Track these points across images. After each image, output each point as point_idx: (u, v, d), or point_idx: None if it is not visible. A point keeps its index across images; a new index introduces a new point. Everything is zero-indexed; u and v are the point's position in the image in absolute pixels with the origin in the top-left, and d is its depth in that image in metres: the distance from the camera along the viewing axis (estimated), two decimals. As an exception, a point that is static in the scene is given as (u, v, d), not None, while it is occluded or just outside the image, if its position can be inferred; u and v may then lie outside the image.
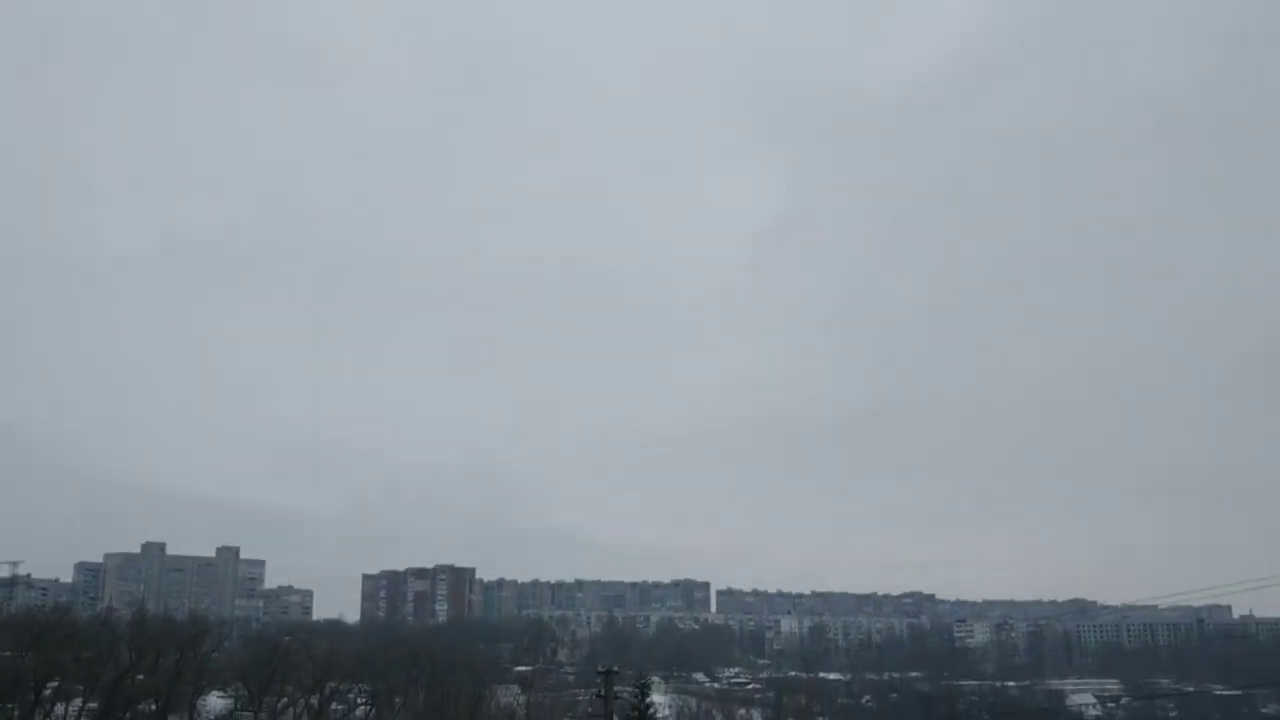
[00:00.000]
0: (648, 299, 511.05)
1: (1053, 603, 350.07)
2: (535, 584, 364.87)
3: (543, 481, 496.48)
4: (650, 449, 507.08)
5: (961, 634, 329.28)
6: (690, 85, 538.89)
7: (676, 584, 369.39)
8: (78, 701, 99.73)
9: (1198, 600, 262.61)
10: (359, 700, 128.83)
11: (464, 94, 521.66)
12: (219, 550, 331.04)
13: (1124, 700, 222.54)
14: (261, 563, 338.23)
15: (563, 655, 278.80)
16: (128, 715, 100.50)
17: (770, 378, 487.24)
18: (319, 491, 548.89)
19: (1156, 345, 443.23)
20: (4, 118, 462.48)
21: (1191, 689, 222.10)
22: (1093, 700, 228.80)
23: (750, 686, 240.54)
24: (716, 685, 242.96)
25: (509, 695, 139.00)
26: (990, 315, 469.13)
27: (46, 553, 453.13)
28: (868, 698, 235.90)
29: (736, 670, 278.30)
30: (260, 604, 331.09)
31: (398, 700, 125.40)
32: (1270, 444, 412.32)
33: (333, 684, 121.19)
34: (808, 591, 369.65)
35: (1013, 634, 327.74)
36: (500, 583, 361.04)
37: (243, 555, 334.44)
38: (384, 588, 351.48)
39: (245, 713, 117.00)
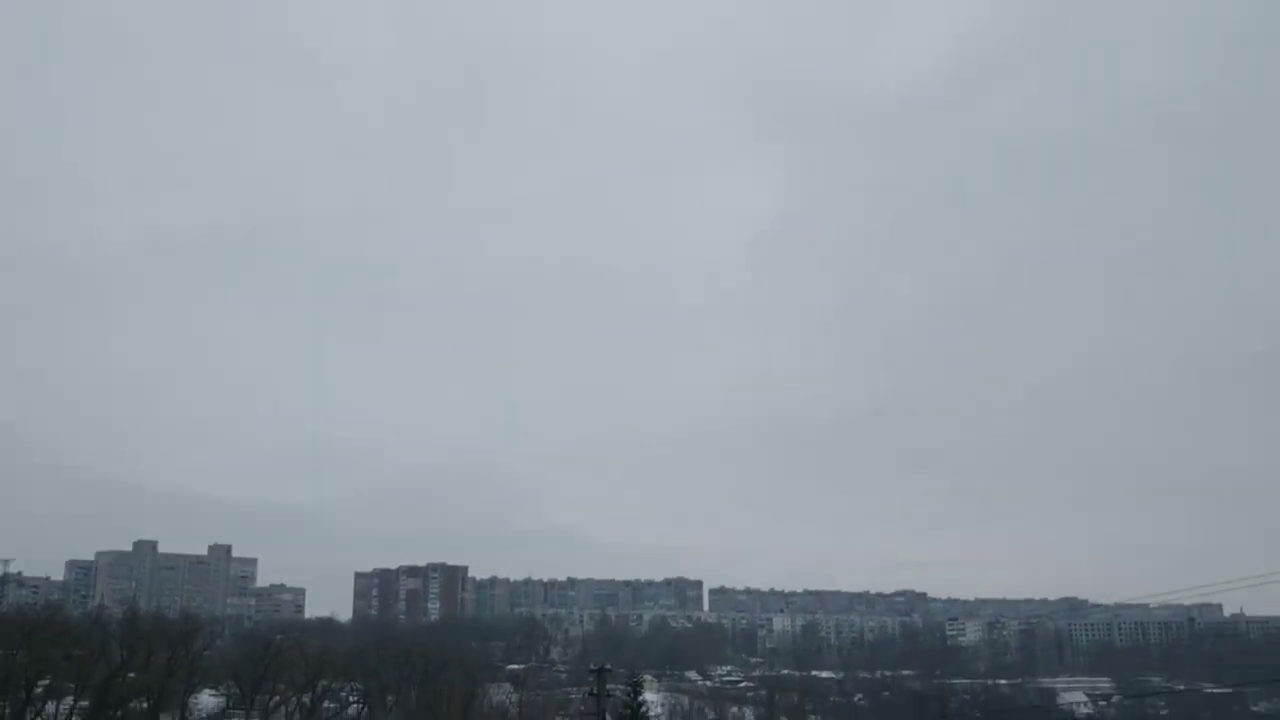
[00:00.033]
0: (647, 298, 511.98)
1: (1044, 601, 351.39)
2: (528, 582, 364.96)
3: (537, 480, 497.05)
4: (646, 448, 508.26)
5: (953, 632, 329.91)
6: (690, 85, 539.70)
7: (669, 582, 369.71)
8: (69, 700, 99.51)
9: (1189, 599, 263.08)
10: (351, 699, 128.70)
11: (464, 94, 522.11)
12: (211, 548, 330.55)
13: (1115, 698, 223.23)
14: (254, 561, 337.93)
15: (555, 653, 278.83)
16: (119, 713, 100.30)
17: (768, 378, 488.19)
18: (312, 490, 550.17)
19: (1156, 345, 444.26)
20: (3, 116, 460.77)
21: (1182, 687, 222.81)
22: (1084, 698, 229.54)
23: (743, 685, 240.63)
24: (709, 683, 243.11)
25: (501, 693, 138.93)
26: (989, 315, 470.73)
27: (37, 550, 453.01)
28: (860, 696, 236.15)
29: (729, 668, 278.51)
30: (252, 602, 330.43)
31: (390, 699, 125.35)
32: (1263, 444, 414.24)
33: (325, 682, 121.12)
34: (800, 590, 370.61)
35: (1004, 632, 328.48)
36: (493, 581, 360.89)
37: (235, 553, 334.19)
38: (376, 586, 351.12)
39: (237, 711, 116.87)
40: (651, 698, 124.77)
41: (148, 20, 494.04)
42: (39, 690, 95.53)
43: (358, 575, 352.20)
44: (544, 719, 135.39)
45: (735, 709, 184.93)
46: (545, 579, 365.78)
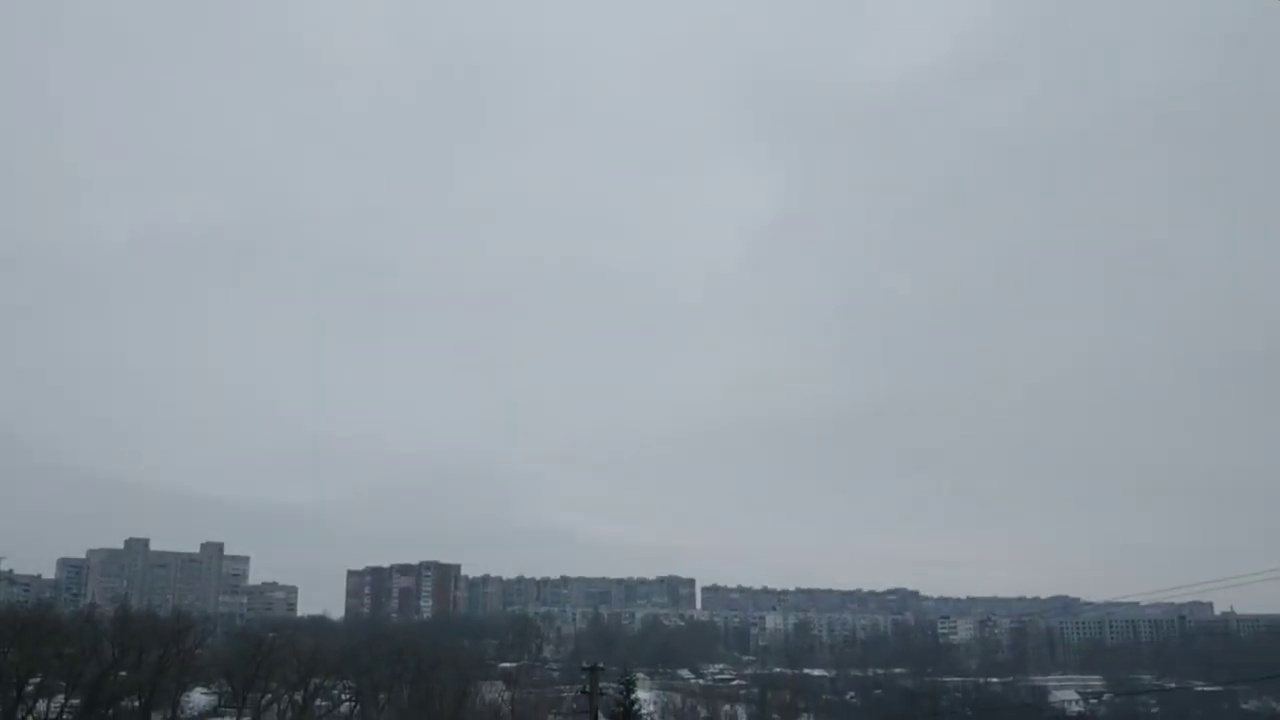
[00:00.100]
0: (645, 298, 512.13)
1: (1036, 599, 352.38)
2: (521, 580, 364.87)
3: (531, 479, 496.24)
4: (639, 448, 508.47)
5: (945, 630, 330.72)
6: (689, 85, 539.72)
7: (662, 580, 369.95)
8: (60, 698, 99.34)
9: (1180, 597, 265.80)
10: (343, 697, 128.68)
11: (464, 94, 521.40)
12: (203, 546, 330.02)
13: (1106, 697, 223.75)
14: (246, 559, 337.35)
15: (548, 652, 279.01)
16: (111, 712, 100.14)
17: (764, 377, 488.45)
18: (305, 488, 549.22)
19: (1156, 345, 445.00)
20: (3, 116, 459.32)
21: (1173, 685, 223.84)
22: (1075, 697, 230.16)
23: (735, 683, 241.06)
24: (701, 681, 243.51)
25: (494, 691, 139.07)
26: (988, 315, 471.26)
27: (28, 548, 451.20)
28: (852, 694, 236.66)
29: (721, 666, 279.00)
30: (244, 600, 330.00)
31: (382, 697, 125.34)
32: (1257, 443, 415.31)
33: (317, 680, 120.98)
34: (793, 588, 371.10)
35: (996, 630, 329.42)
36: (485, 579, 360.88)
37: (227, 551, 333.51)
38: (369, 584, 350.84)
39: (229, 709, 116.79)
40: (644, 696, 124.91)
41: (148, 20, 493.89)
42: (30, 688, 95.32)
43: (350, 573, 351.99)
44: (536, 717, 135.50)
45: (728, 707, 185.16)
46: (538, 577, 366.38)
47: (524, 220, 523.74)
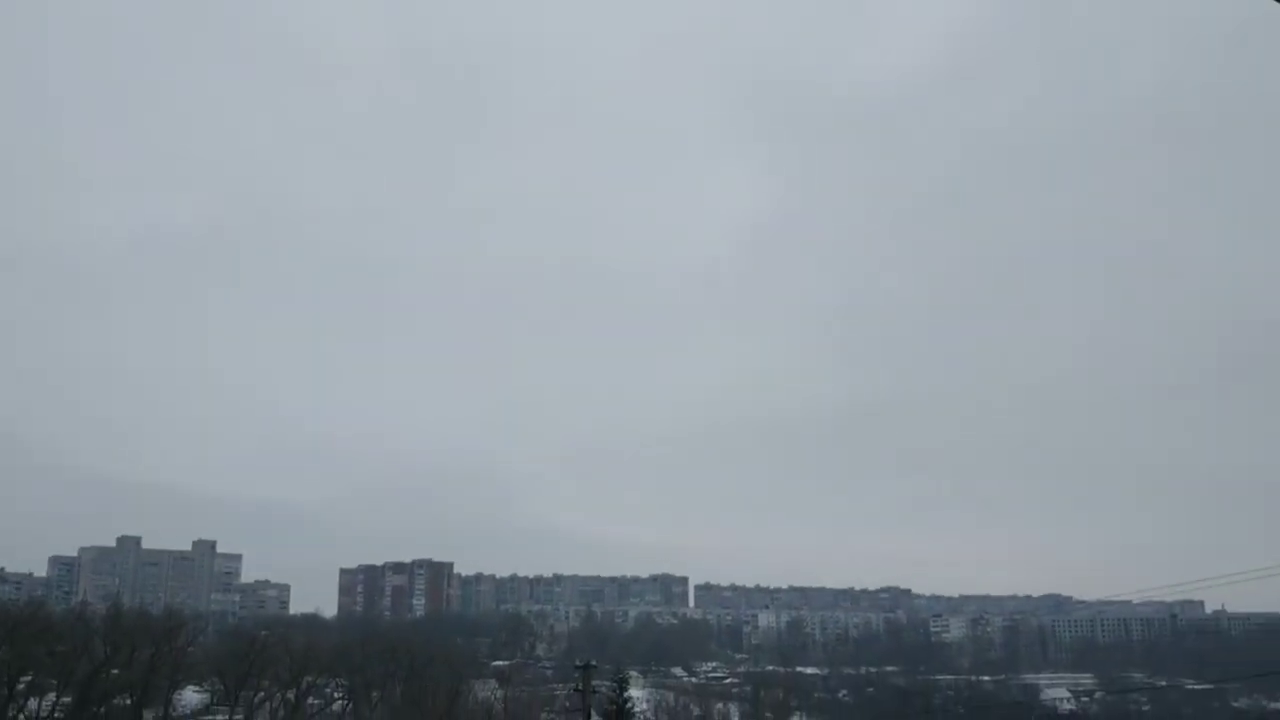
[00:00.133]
0: (643, 297, 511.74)
1: (1028, 598, 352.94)
2: (513, 579, 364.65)
3: (524, 478, 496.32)
4: (634, 447, 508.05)
5: (937, 629, 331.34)
6: (689, 85, 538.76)
7: (655, 579, 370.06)
8: (51, 696, 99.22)
9: (1171, 596, 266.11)
10: (336, 695, 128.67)
11: (462, 94, 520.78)
12: (195, 544, 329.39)
13: (1098, 695, 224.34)
14: (238, 557, 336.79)
15: (541, 650, 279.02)
16: (102, 710, 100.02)
17: (758, 377, 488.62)
18: (298, 486, 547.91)
19: (1155, 345, 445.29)
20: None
21: (1164, 683, 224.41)
22: (1067, 695, 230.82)
23: (728, 681, 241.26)
24: (694, 680, 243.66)
25: (486, 690, 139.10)
26: (986, 314, 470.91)
27: (19, 546, 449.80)
28: (844, 692, 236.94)
29: (714, 665, 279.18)
30: (237, 598, 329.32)
31: (375, 694, 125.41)
32: (1244, 442, 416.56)
33: (309, 678, 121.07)
34: (785, 586, 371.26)
35: (988, 629, 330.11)
36: (478, 577, 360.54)
37: (219, 549, 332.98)
38: (361, 582, 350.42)
39: (221, 707, 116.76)
40: (637, 694, 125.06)
41: (148, 20, 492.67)
42: (21, 686, 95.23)
43: (343, 571, 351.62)
44: (529, 715, 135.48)
45: (720, 705, 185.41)
46: (531, 575, 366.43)
47: (523, 220, 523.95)
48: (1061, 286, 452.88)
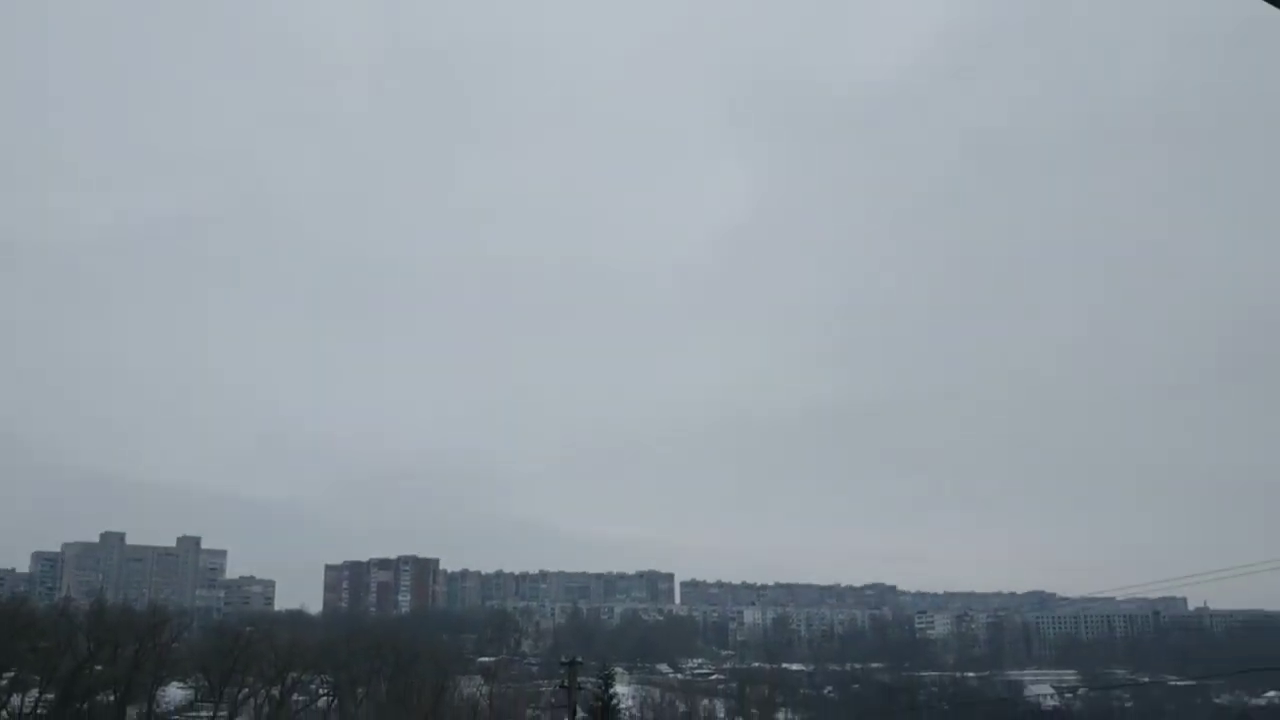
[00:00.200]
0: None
1: (1012, 595, 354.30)
2: (499, 575, 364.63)
3: (512, 475, 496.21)
4: (621, 445, 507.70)
5: (922, 625, 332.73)
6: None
7: (641, 575, 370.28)
8: (34, 692, 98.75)
9: (1154, 593, 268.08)
10: (321, 691, 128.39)
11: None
12: (179, 540, 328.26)
13: (1081, 691, 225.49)
14: (223, 553, 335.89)
15: (526, 646, 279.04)
16: (86, 706, 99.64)
17: (747, 377, 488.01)
18: (282, 482, 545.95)
19: (1153, 344, 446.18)
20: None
21: (1147, 680, 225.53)
22: (1050, 691, 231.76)
23: (713, 677, 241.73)
24: (680, 676, 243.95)
25: (472, 686, 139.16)
26: (981, 312, 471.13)
27: (2, 542, 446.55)
28: (830, 688, 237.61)
29: (700, 661, 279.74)
30: (221, 594, 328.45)
31: (360, 691, 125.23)
32: (1229, 441, 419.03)
33: (294, 675, 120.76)
34: (771, 583, 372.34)
35: (973, 625, 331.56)
36: (464, 573, 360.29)
37: (204, 545, 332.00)
38: (347, 578, 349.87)
39: (206, 703, 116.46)
40: (622, 690, 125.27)
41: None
42: (4, 683, 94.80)
43: (328, 568, 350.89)
44: (515, 711, 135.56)
45: (706, 701, 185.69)
46: (517, 572, 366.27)
47: (523, 219, 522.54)
48: (1059, 286, 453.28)
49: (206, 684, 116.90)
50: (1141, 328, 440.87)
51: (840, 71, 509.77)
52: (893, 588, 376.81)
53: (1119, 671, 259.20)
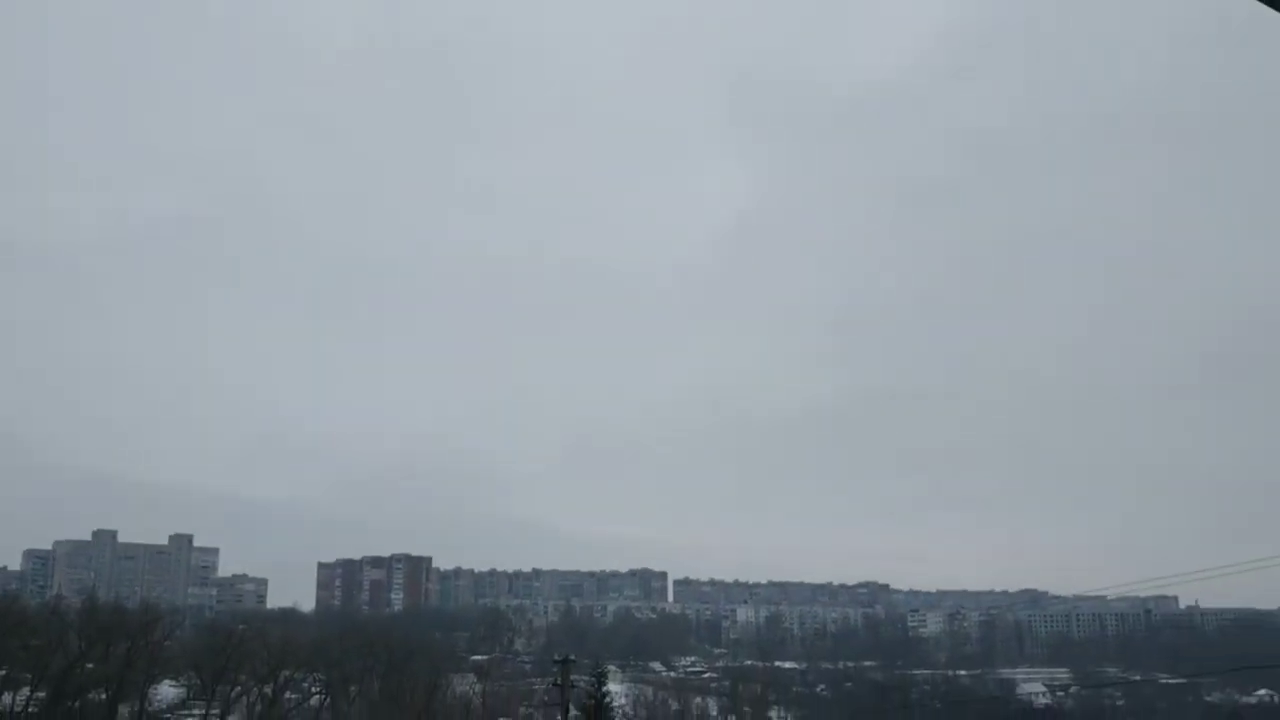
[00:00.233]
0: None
1: (1004, 593, 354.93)
2: (492, 573, 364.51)
3: (505, 473, 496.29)
4: (615, 443, 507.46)
5: (915, 624, 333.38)
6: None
7: (634, 573, 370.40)
8: (26, 690, 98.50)
9: (1145, 591, 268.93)
10: (313, 689, 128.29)
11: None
12: (172, 538, 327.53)
13: (1073, 689, 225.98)
14: (215, 551, 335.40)
15: (519, 644, 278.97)
16: (77, 704, 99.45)
17: (749, 375, 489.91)
18: (274, 479, 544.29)
19: (1147, 344, 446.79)
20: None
21: (1139, 678, 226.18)
22: (1043, 689, 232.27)
23: (706, 675, 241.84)
24: (673, 674, 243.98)
25: (465, 684, 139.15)
26: (973, 311, 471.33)
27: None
28: (822, 687, 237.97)
29: (693, 659, 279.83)
30: (214, 592, 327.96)
31: (353, 689, 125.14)
32: (1221, 439, 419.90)
33: (287, 673, 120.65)
34: (764, 581, 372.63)
35: (965, 624, 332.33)
36: (457, 572, 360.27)
37: (196, 543, 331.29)
38: (339, 576, 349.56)
39: (198, 702, 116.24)
40: (615, 688, 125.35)
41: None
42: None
43: (321, 565, 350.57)
44: (507, 710, 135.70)
45: (699, 700, 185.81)
46: (510, 570, 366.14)
47: (522, 219, 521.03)
48: (1057, 285, 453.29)
49: (199, 682, 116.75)
50: (1139, 328, 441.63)
51: (840, 71, 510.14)
52: (885, 586, 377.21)
53: (1111, 669, 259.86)
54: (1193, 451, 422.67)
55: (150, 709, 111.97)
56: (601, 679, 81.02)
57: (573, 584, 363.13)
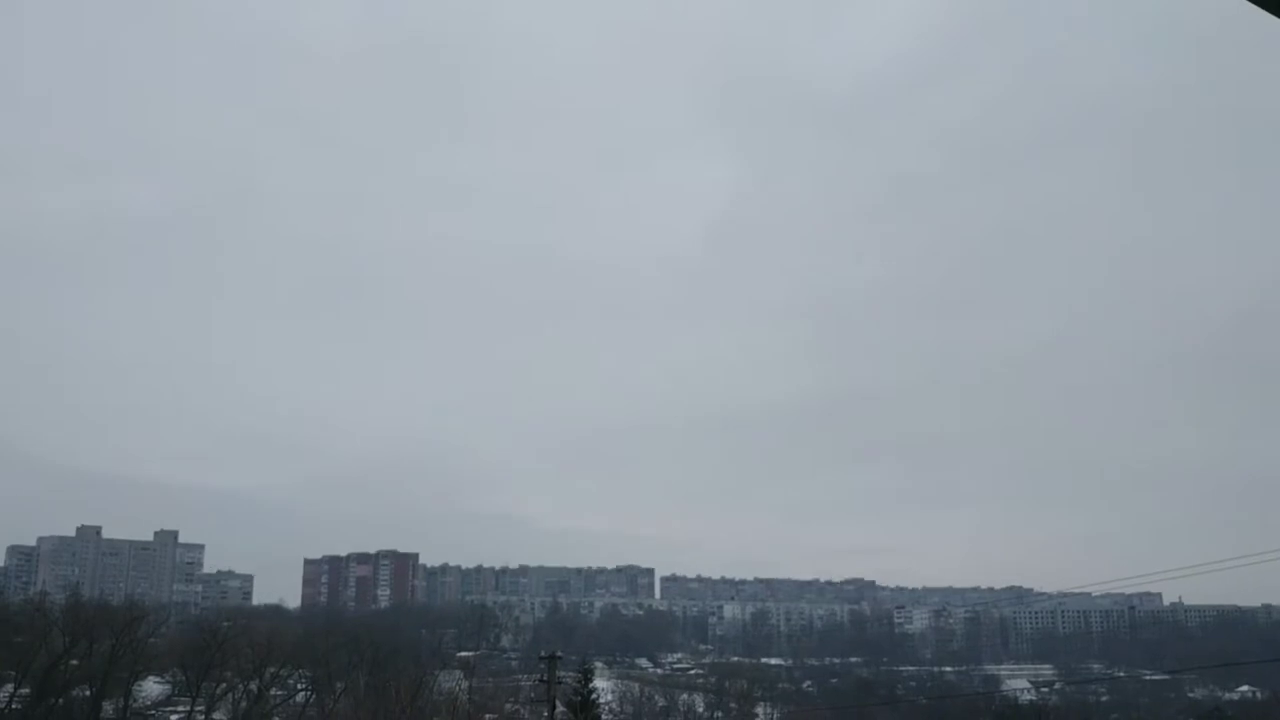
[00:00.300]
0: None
1: (990, 590, 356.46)
2: (479, 569, 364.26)
3: (492, 469, 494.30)
4: (602, 439, 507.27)
5: (901, 620, 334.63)
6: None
7: (620, 570, 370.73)
8: (9, 687, 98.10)
9: (1129, 588, 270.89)
10: (299, 686, 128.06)
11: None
12: (157, 534, 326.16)
13: (1057, 685, 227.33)
14: (200, 547, 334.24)
15: (506, 641, 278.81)
16: (61, 701, 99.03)
17: (731, 370, 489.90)
18: (260, 475, 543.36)
19: (1122, 339, 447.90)
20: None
21: (1122, 674, 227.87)
22: (1027, 685, 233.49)
23: (693, 672, 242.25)
24: (659, 671, 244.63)
25: (451, 681, 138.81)
26: (958, 306, 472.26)
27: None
28: (809, 683, 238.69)
29: (679, 656, 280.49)
30: (199, 589, 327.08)
31: (338, 686, 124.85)
32: (1211, 437, 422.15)
33: (273, 669, 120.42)
34: (751, 578, 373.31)
35: (951, 620, 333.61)
36: (444, 568, 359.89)
37: (181, 539, 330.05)
38: (326, 572, 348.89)
39: (183, 698, 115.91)
40: (602, 685, 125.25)
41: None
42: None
43: (307, 562, 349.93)
44: (494, 706, 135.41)
45: (685, 696, 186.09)
46: (497, 566, 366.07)
47: (500, 212, 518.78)
48: (1039, 281, 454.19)
49: (184, 679, 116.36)
50: (1123, 324, 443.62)
51: (823, 67, 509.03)
52: (871, 583, 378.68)
53: (1095, 665, 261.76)
54: (1177, 449, 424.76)
55: (135, 706, 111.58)
56: (588, 675, 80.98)
57: (559, 580, 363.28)
